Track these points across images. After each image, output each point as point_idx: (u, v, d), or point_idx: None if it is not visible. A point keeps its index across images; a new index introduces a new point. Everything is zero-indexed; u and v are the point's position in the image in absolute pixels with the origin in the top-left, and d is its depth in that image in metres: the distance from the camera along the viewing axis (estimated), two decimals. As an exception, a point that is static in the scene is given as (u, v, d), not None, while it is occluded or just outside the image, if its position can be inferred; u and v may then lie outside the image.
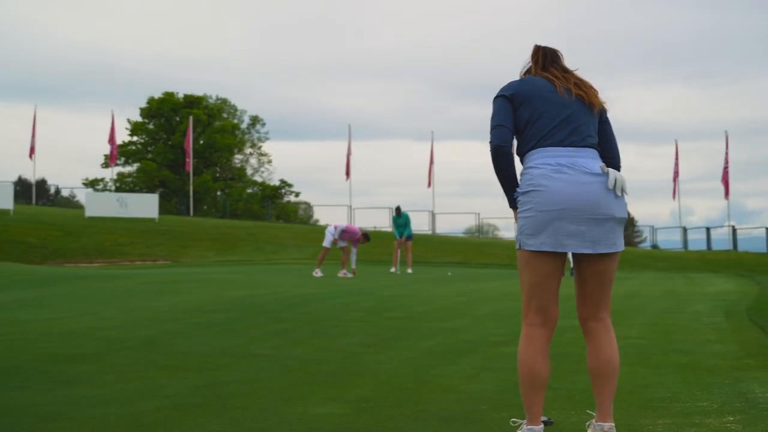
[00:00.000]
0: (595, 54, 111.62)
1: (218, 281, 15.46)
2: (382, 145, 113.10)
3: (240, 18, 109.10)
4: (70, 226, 35.96)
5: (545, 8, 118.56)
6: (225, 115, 73.23)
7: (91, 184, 64.42)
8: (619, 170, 3.87)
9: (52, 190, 70.67)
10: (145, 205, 40.50)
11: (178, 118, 64.71)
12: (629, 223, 75.76)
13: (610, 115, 3.95)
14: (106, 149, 47.67)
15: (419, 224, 48.67)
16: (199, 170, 65.82)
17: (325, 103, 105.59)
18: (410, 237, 23.18)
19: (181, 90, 68.49)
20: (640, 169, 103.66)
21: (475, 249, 36.63)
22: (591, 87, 3.90)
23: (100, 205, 39.83)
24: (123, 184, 64.74)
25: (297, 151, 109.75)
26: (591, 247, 3.64)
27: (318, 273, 19.06)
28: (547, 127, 3.73)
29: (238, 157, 73.74)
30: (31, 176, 50.37)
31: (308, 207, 66.69)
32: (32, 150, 44.84)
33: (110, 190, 57.27)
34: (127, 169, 67.19)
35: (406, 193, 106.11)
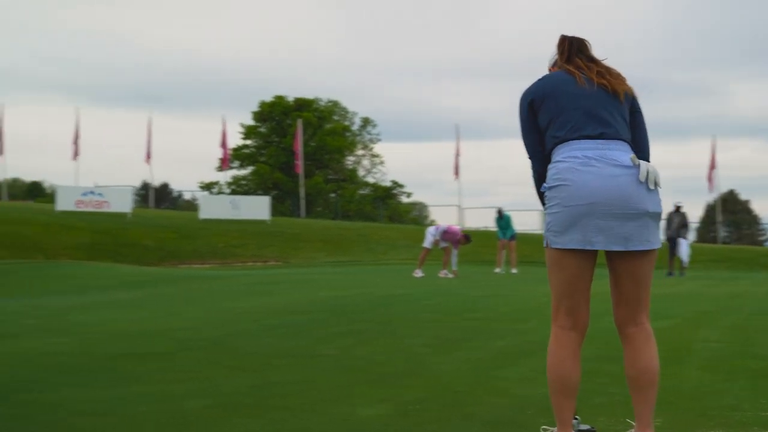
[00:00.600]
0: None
1: (316, 282, 15.53)
2: (495, 145, 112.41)
3: (350, 20, 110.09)
4: (185, 228, 36.87)
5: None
6: (336, 118, 73.95)
7: (207, 187, 65.95)
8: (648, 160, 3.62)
9: (175, 194, 72.87)
10: (257, 207, 41.18)
11: (289, 122, 65.60)
12: (753, 221, 73.02)
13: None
14: (220, 153, 48.61)
15: (530, 223, 47.93)
16: (311, 172, 66.63)
17: (436, 102, 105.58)
18: (514, 237, 23.09)
19: (293, 93, 69.32)
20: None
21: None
22: (617, 74, 3.65)
23: (213, 208, 40.72)
24: (238, 187, 66.08)
25: (409, 152, 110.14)
26: (623, 245, 3.40)
27: (419, 273, 18.93)
28: (571, 121, 3.51)
29: (350, 159, 74.35)
30: (150, 180, 51.81)
31: (423, 207, 66.74)
32: (149, 155, 46.22)
33: (225, 193, 58.50)
34: (242, 172, 68.61)
35: (518, 192, 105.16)
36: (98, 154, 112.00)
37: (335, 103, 74.97)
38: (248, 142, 68.62)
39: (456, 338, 7.28)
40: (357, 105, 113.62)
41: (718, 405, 4.53)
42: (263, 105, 67.21)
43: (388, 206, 65.39)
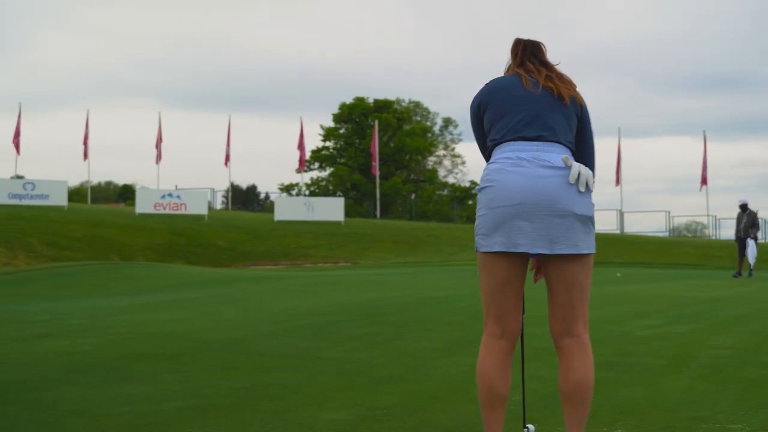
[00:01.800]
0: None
1: (367, 283, 15.56)
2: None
3: (432, 21, 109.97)
4: (259, 229, 37.40)
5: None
6: (418, 118, 74.04)
7: (287, 189, 66.72)
8: (591, 170, 3.50)
9: (262, 196, 74.04)
10: (332, 209, 41.50)
11: (369, 122, 65.99)
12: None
13: None
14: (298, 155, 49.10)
15: (608, 223, 47.22)
16: (389, 173, 66.83)
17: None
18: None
19: (373, 95, 69.63)
20: None
21: (663, 249, 35.17)
22: (567, 80, 3.54)
23: (288, 209, 41.20)
24: (318, 189, 66.72)
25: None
26: (548, 247, 3.29)
27: None
28: (510, 123, 3.43)
29: (431, 160, 74.35)
30: (230, 182, 52.61)
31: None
32: (227, 158, 46.97)
33: (305, 195, 59.10)
34: (321, 173, 69.23)
35: (596, 191, 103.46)
36: (180, 157, 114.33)
37: (417, 104, 75.13)
38: (328, 143, 69.18)
39: (467, 342, 7.21)
40: (439, 106, 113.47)
41: (690, 416, 4.38)
42: (343, 107, 67.72)
43: (467, 207, 65.11)
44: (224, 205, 63.05)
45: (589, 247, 3.35)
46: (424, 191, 68.37)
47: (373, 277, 18.57)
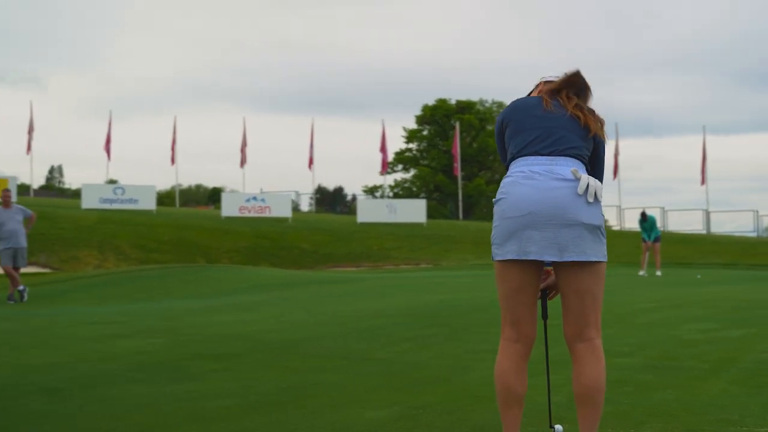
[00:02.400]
0: None
1: (439, 285, 15.70)
2: (658, 143, 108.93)
3: (515, 20, 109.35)
4: (342, 232, 37.86)
5: None
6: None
7: (371, 191, 67.23)
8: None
9: (349, 198, 74.87)
10: (414, 210, 41.73)
11: (452, 123, 66.14)
12: None
13: None
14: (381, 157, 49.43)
15: (694, 223, 46.32)
16: (473, 174, 66.74)
17: (604, 100, 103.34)
18: (658, 239, 22.55)
19: (457, 96, 69.71)
20: None
21: (749, 249, 34.39)
22: (597, 117, 3.68)
23: (371, 211, 41.57)
24: (402, 190, 67.07)
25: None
26: (558, 255, 3.44)
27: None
28: (527, 139, 3.60)
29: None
30: (313, 185, 53.29)
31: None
32: (311, 160, 47.57)
33: (388, 197, 59.47)
34: (405, 175, 69.56)
35: (679, 189, 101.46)
36: (264, 161, 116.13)
37: (500, 104, 74.81)
38: (411, 145, 69.47)
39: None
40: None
41: (718, 419, 4.44)
42: (425, 108, 67.94)
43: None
44: (311, 207, 63.93)
45: (597, 255, 3.47)
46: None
47: (448, 279, 18.69)
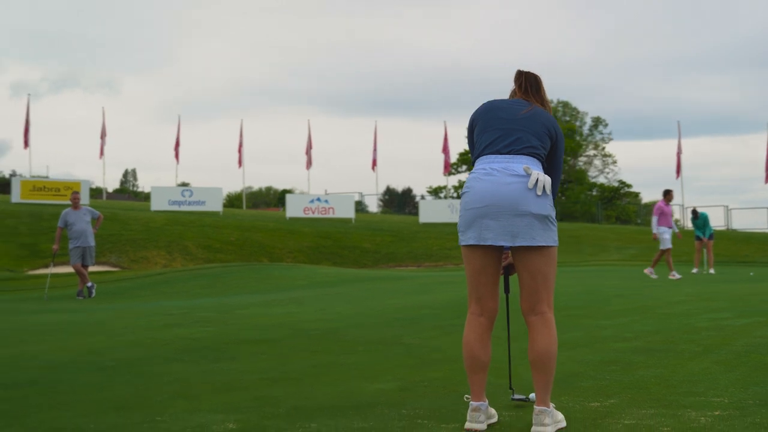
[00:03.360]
0: None
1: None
2: (722, 141, 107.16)
3: (580, 18, 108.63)
4: (404, 232, 38.49)
5: None
6: (567, 118, 73.63)
7: (435, 191, 67.72)
8: (554, 192, 4.24)
9: (417, 198, 75.48)
10: (475, 211, 42.08)
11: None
12: None
13: None
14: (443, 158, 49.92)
15: (760, 222, 45.79)
16: (537, 174, 66.76)
17: (665, 98, 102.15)
18: (711, 237, 22.70)
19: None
20: None
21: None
22: (549, 110, 4.29)
23: (433, 212, 42.18)
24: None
25: (647, 150, 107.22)
26: (510, 240, 4.04)
27: (675, 275, 18.50)
28: (489, 138, 4.21)
29: (581, 159, 73.80)
30: (375, 186, 53.96)
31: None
32: (374, 162, 48.29)
33: (451, 197, 59.92)
34: (466, 176, 69.87)
35: (745, 188, 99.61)
36: (329, 162, 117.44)
37: (565, 104, 74.73)
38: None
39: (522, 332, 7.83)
40: (588, 105, 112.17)
41: (684, 391, 4.90)
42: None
43: (615, 207, 64.34)
44: (380, 208, 64.68)
45: (546, 240, 4.05)
46: (572, 192, 67.98)
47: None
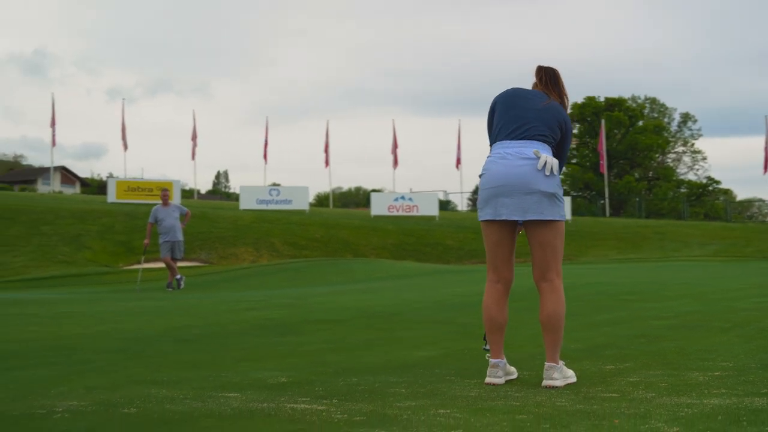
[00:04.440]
0: None
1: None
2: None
3: (668, 14, 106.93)
4: (487, 229, 38.78)
5: None
6: (655, 115, 72.83)
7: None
8: (560, 166, 4.78)
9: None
10: (558, 208, 42.26)
11: (602, 121, 66.05)
12: None
13: None
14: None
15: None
16: (623, 171, 66.26)
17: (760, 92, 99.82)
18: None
19: (607, 93, 69.35)
20: None
21: None
22: (559, 108, 4.83)
23: (516, 210, 42.36)
24: (554, 189, 67.28)
25: (730, 146, 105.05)
26: (521, 215, 4.61)
27: None
28: (506, 124, 4.79)
29: (670, 156, 72.90)
30: (460, 184, 54.37)
31: (763, 204, 64.23)
32: (458, 161, 48.78)
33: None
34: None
35: None
36: (415, 161, 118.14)
37: (652, 100, 73.88)
38: (561, 143, 69.56)
39: (577, 313, 8.34)
40: (677, 101, 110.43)
41: (698, 358, 5.36)
42: (574, 106, 67.93)
43: (704, 204, 63.40)
44: (469, 207, 65.07)
45: (554, 215, 4.61)
46: (659, 189, 67.20)
47: (572, 270, 19.51)
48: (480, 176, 4.82)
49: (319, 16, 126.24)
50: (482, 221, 4.77)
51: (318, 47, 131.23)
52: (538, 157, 4.62)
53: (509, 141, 4.73)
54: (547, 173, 4.61)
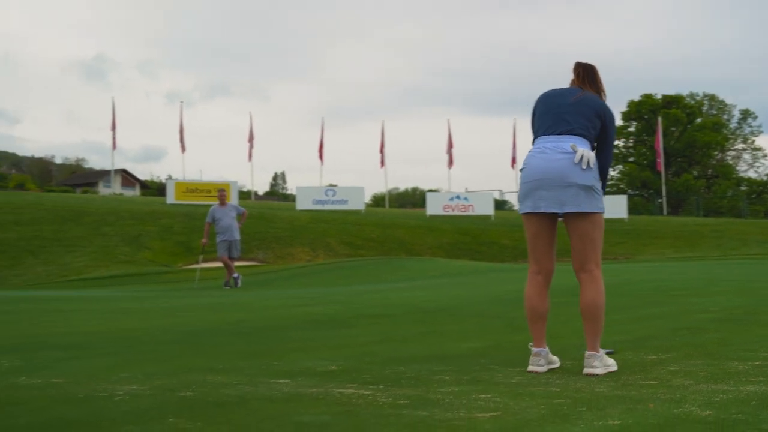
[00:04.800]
0: None
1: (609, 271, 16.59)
2: None
3: (726, 14, 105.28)
4: (542, 228, 38.70)
5: None
6: (714, 112, 71.82)
7: (579, 188, 67.25)
8: (606, 167, 4.91)
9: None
10: (615, 207, 42.05)
11: (659, 119, 65.36)
12: None
13: None
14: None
15: None
16: (682, 169, 65.45)
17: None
18: None
19: (664, 90, 68.58)
20: None
21: None
22: (595, 98, 4.95)
23: (571, 208, 42.20)
24: (609, 187, 66.75)
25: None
26: (559, 207, 4.75)
27: None
28: (545, 122, 4.93)
29: (729, 154, 71.84)
30: (515, 184, 54.27)
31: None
32: (514, 160, 48.68)
33: (594, 194, 59.44)
34: (611, 172, 69.14)
35: None
36: (470, 161, 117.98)
37: (711, 97, 72.88)
38: (617, 142, 69.01)
39: (626, 307, 8.41)
40: (737, 97, 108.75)
41: (737, 349, 5.45)
42: (631, 104, 67.35)
43: (764, 201, 62.34)
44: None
45: (591, 207, 4.74)
46: (718, 187, 66.27)
47: (626, 268, 19.46)
48: (521, 170, 4.97)
49: (374, 17, 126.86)
50: (522, 214, 4.91)
51: (373, 48, 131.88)
52: (575, 152, 4.75)
53: (548, 136, 4.88)
54: (584, 167, 4.73)
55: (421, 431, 3.18)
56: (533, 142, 5.03)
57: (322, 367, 5.07)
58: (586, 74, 5.07)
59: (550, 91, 5.10)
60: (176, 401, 3.84)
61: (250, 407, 3.67)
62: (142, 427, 3.27)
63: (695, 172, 67.16)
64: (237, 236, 17.75)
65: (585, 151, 4.76)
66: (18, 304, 11.77)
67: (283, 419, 3.42)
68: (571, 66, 5.11)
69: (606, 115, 4.97)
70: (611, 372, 4.72)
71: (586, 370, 4.67)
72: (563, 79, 5.24)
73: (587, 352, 4.72)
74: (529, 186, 4.83)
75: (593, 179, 4.79)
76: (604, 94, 5.11)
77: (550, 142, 4.84)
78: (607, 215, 37.95)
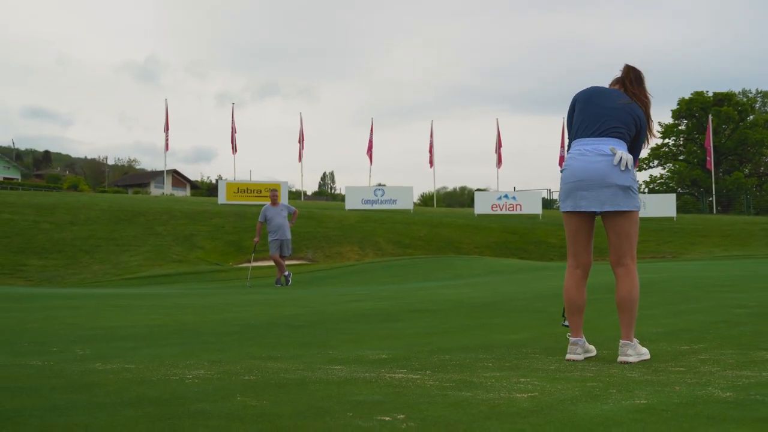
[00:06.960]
0: None
1: (645, 270, 16.78)
2: None
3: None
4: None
5: None
6: (767, 109, 71.00)
7: (626, 187, 66.86)
8: (634, 161, 5.19)
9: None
10: (664, 205, 41.91)
11: (710, 117, 64.78)
12: None
13: None
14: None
15: None
16: (732, 168, 64.80)
17: None
18: None
19: (716, 87, 67.91)
20: None
21: None
22: (642, 100, 5.24)
23: (619, 207, 42.08)
24: (658, 186, 66.30)
25: None
26: (599, 206, 5.06)
27: None
28: (585, 123, 5.22)
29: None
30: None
31: None
32: (562, 159, 48.64)
33: (643, 192, 59.23)
34: (661, 170, 68.71)
35: None
36: (518, 160, 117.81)
37: (765, 94, 72.05)
38: (667, 140, 68.52)
39: (665, 302, 8.67)
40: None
41: (755, 339, 5.75)
42: (681, 102, 66.80)
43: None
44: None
45: (629, 206, 5.05)
46: (772, 185, 65.59)
47: (672, 266, 19.57)
48: (561, 171, 5.29)
49: (423, 17, 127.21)
50: (563, 212, 5.23)
51: (422, 47, 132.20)
52: (614, 154, 5.05)
53: (588, 138, 5.18)
54: (623, 168, 5.04)
55: (464, 408, 3.52)
56: (570, 142, 5.33)
57: (374, 355, 5.43)
58: (634, 77, 5.33)
59: (591, 89, 5.37)
60: (241, 383, 4.23)
61: (310, 389, 4.04)
62: (213, 405, 3.64)
63: (746, 171, 66.42)
64: (288, 235, 18.21)
65: (623, 153, 5.06)
66: (81, 299, 12.31)
67: (340, 398, 3.78)
68: (621, 64, 5.35)
69: (641, 123, 5.26)
70: (644, 360, 5.02)
71: (620, 358, 4.98)
72: (612, 76, 5.46)
73: (622, 341, 5.03)
74: (570, 186, 5.15)
75: (631, 180, 5.09)
76: (649, 101, 5.34)
77: (590, 144, 5.14)
78: (655, 214, 37.94)
